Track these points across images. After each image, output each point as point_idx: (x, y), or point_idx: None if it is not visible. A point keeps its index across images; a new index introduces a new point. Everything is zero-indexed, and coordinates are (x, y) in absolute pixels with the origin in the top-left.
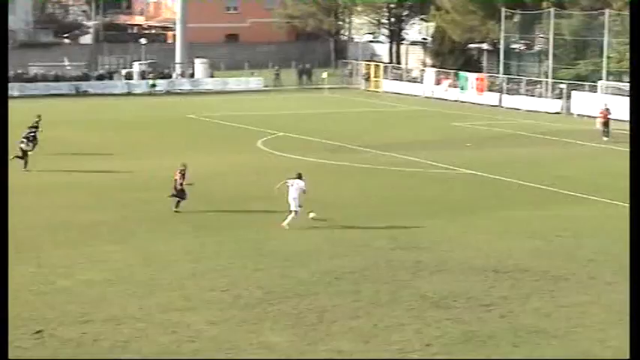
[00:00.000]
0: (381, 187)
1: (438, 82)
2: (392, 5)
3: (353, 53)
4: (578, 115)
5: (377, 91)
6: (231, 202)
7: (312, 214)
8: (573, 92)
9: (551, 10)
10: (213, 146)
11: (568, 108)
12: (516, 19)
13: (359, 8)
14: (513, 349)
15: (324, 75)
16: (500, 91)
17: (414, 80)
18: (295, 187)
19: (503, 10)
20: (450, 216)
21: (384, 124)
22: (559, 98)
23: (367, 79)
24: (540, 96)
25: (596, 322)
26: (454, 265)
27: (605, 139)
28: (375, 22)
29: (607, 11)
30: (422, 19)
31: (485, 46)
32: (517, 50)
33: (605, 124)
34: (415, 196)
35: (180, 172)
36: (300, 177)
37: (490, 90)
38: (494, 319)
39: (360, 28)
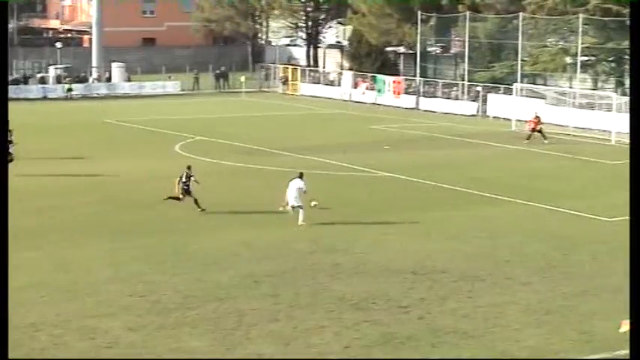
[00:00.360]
0: None
1: (355, 85)
2: (309, 9)
3: (270, 57)
4: (494, 117)
5: (295, 95)
6: (148, 207)
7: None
8: (489, 95)
9: (467, 13)
10: (131, 151)
11: (484, 110)
12: (432, 22)
13: (276, 12)
14: (432, 349)
15: (242, 79)
16: (417, 93)
17: (331, 83)
18: (294, 185)
19: (419, 13)
20: (369, 218)
21: (302, 128)
22: (475, 101)
23: (285, 82)
24: (457, 98)
25: (513, 322)
26: (373, 268)
27: (526, 141)
28: (292, 25)
29: (521, 14)
30: (339, 23)
31: (402, 49)
32: (433, 53)
33: (535, 130)
34: (334, 199)
35: (186, 175)
36: (301, 177)
37: (407, 93)
38: (412, 320)
39: (277, 32)
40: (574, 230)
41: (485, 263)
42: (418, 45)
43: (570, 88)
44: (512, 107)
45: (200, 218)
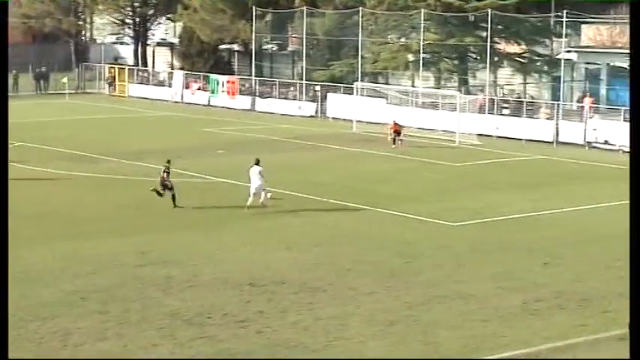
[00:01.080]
0: (128, 199)
1: (187, 86)
2: (136, 4)
3: (95, 56)
4: (334, 118)
5: (122, 96)
6: None
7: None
8: (329, 94)
9: (304, 8)
10: None
11: (323, 111)
12: (268, 18)
13: (100, 7)
14: None
15: (64, 80)
16: (253, 94)
17: (161, 84)
18: (254, 172)
19: (254, 8)
20: (203, 228)
21: (131, 131)
22: (314, 101)
23: (111, 83)
24: (294, 99)
25: (356, 335)
26: (208, 280)
27: (393, 146)
28: (118, 22)
29: (360, 10)
30: (169, 19)
31: (236, 47)
32: (270, 51)
33: (397, 133)
34: (165, 208)
35: (164, 171)
36: (257, 163)
37: (242, 93)
38: (250, 335)
39: (102, 29)
40: (418, 236)
41: (326, 273)
42: (253, 42)
43: (413, 87)
44: (352, 107)
45: (22, 230)
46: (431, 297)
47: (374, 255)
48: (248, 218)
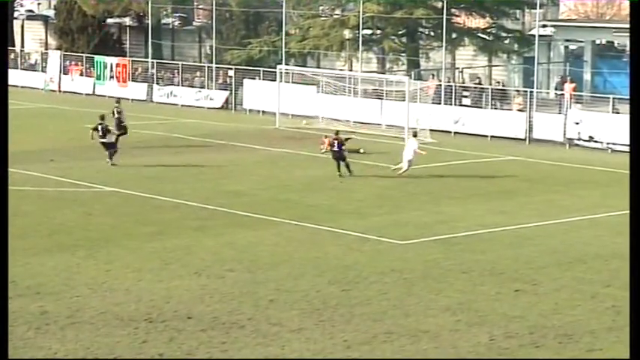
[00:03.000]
0: None
1: (66, 71)
2: None
3: None
4: (251, 110)
5: None
6: None
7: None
8: (245, 81)
9: None
10: None
11: (238, 101)
12: None
13: None
14: None
15: None
16: (150, 80)
17: (33, 68)
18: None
19: None
20: (87, 250)
21: None
22: (226, 89)
23: None
24: (202, 87)
25: None
26: (94, 316)
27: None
28: None
29: None
30: None
31: (127, 21)
32: (170, 27)
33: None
34: (39, 225)
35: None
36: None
37: (136, 80)
38: None
39: None
40: (357, 258)
41: (243, 305)
42: (149, 15)
43: (350, 71)
44: (275, 97)
45: None
46: (374, 334)
47: (303, 282)
48: (144, 237)
